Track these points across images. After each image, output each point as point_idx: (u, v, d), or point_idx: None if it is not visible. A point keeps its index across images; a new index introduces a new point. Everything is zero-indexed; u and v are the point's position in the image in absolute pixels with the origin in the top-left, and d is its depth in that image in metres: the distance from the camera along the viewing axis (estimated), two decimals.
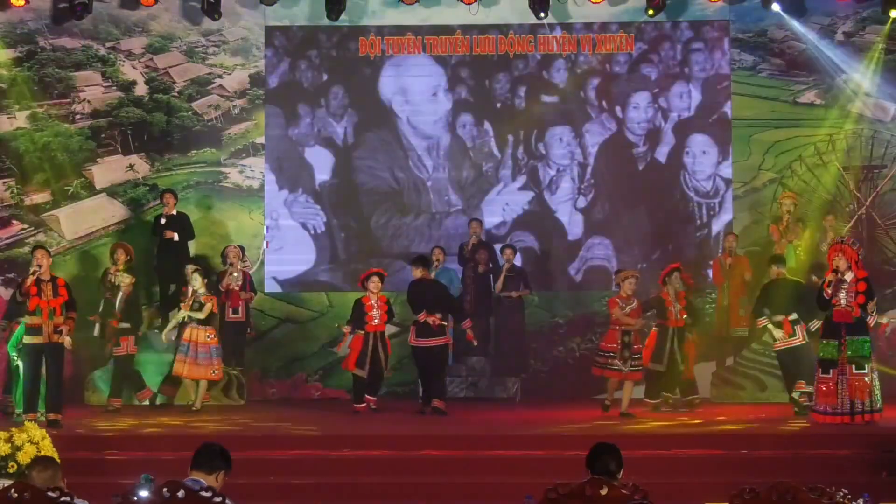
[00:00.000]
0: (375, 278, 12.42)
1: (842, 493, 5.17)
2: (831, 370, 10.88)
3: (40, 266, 11.27)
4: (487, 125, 14.72)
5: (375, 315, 12.37)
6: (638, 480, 5.33)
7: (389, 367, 12.68)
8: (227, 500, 5.09)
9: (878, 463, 9.67)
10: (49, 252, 11.74)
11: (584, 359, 14.31)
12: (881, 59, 14.37)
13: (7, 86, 14.65)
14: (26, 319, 11.41)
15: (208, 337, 12.66)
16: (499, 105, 14.74)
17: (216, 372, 12.74)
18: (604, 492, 5.14)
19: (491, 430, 11.14)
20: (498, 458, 10.02)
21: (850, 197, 14.34)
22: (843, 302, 10.90)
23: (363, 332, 12.40)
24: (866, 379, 10.84)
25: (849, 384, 10.81)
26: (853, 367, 10.84)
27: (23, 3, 13.89)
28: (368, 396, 12.55)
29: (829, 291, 10.92)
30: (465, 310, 13.14)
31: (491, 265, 13.98)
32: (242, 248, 13.98)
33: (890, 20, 13.86)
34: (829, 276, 10.99)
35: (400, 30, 14.70)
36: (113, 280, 13.26)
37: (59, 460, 6.73)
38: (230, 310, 13.68)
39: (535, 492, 5.46)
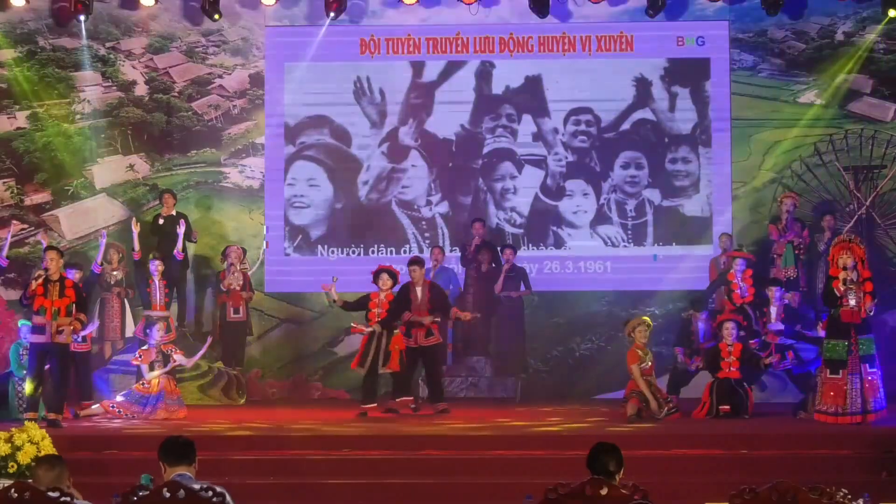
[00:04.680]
0: (384, 275, 12.27)
1: (842, 493, 5.17)
2: (841, 370, 10.84)
3: (47, 269, 11.26)
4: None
5: (377, 313, 12.19)
6: (638, 480, 5.33)
7: (385, 364, 12.18)
8: (227, 499, 5.10)
9: (878, 463, 9.66)
10: (61, 253, 11.70)
11: (584, 359, 14.35)
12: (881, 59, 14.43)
13: (7, 86, 14.66)
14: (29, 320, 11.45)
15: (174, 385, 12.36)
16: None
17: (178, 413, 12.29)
18: (604, 492, 5.14)
19: (491, 430, 11.13)
20: (498, 458, 10.01)
21: (850, 197, 14.34)
22: (852, 302, 10.85)
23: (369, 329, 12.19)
24: (874, 377, 10.84)
25: (863, 384, 10.79)
26: (867, 365, 10.82)
27: (23, 1, 13.91)
28: (402, 399, 12.22)
29: (842, 289, 10.87)
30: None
31: (493, 265, 14.01)
32: (244, 249, 13.99)
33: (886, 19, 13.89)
34: (842, 275, 10.92)
35: (400, 30, 14.71)
36: (109, 279, 13.33)
37: None
38: (231, 310, 13.69)
39: (535, 492, 5.46)
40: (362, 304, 12.35)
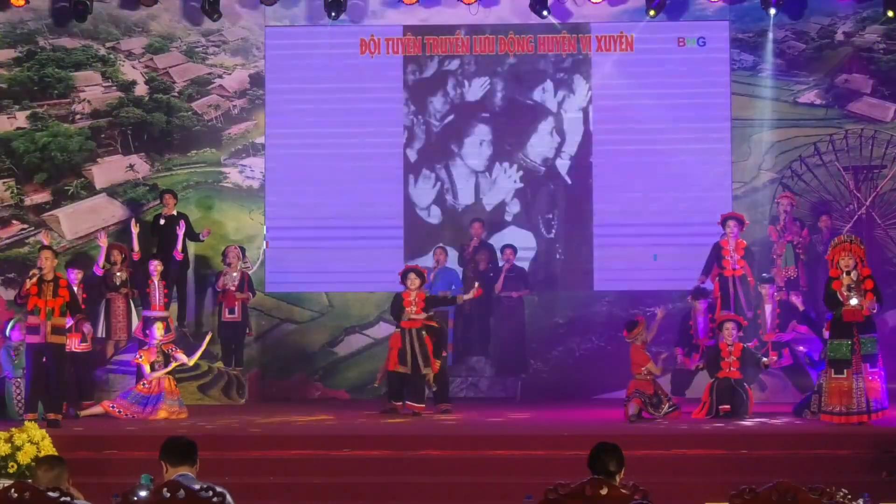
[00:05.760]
0: (412, 275, 12.30)
1: (842, 493, 5.17)
2: (845, 370, 10.83)
3: (41, 269, 11.27)
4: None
5: (411, 311, 12.18)
6: (638, 480, 5.33)
7: (427, 366, 12.13)
8: (227, 499, 5.09)
9: (878, 463, 9.66)
10: (55, 252, 11.74)
11: (584, 359, 14.34)
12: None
13: (7, 86, 14.65)
14: (23, 318, 11.46)
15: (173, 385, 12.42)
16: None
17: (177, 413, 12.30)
18: (604, 492, 5.14)
19: (491, 430, 11.14)
20: (498, 458, 10.02)
21: (850, 197, 14.35)
22: (853, 301, 10.84)
23: (399, 328, 12.25)
24: (877, 377, 10.83)
25: (865, 383, 10.79)
26: (868, 365, 10.82)
27: (23, 2, 13.92)
28: (411, 403, 12.11)
29: (846, 294, 10.86)
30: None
31: (491, 265, 14.02)
32: (243, 249, 14.00)
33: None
34: (845, 280, 10.91)
35: (400, 30, 14.72)
36: (115, 280, 13.36)
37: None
38: (226, 310, 13.70)
39: (535, 492, 5.46)
40: (397, 306, 12.30)
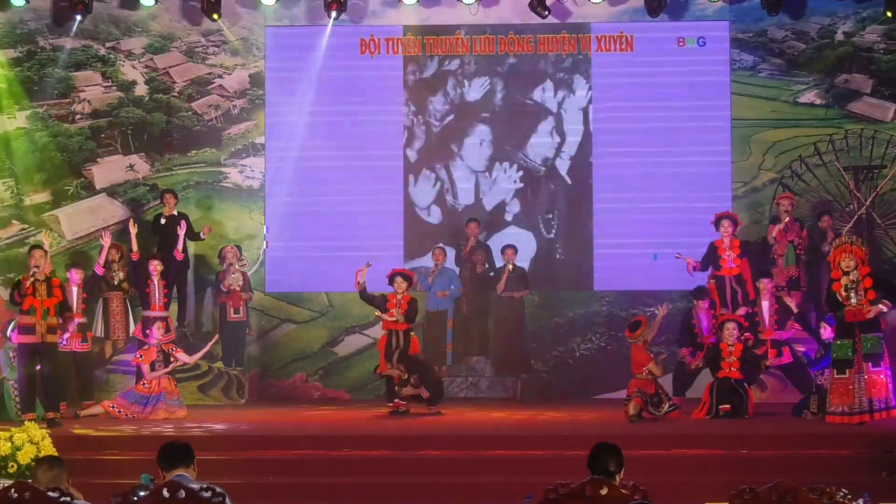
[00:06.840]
0: (399, 278, 12.33)
1: (842, 493, 5.17)
2: (847, 370, 10.82)
3: (38, 267, 11.27)
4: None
5: (395, 313, 12.23)
6: (638, 480, 5.33)
7: (401, 366, 12.17)
8: (227, 499, 5.09)
9: (878, 463, 9.66)
10: (46, 252, 11.75)
11: (584, 359, 14.35)
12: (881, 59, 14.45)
13: (7, 86, 14.65)
14: (18, 319, 11.45)
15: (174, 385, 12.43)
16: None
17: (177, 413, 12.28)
18: (604, 492, 5.14)
19: (491, 430, 11.14)
20: (498, 458, 10.01)
21: (850, 197, 14.35)
22: (853, 301, 10.85)
23: (386, 330, 12.33)
24: (882, 376, 10.82)
25: (867, 382, 10.78)
26: (870, 364, 10.81)
27: (23, 2, 13.92)
28: (397, 401, 12.21)
29: (844, 294, 10.86)
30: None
31: (487, 265, 14.02)
32: (239, 248, 14.00)
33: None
34: (844, 280, 10.90)
35: (400, 30, 14.72)
36: (114, 279, 13.34)
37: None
38: (231, 310, 13.71)
39: (535, 492, 5.46)
40: (379, 302, 12.35)
